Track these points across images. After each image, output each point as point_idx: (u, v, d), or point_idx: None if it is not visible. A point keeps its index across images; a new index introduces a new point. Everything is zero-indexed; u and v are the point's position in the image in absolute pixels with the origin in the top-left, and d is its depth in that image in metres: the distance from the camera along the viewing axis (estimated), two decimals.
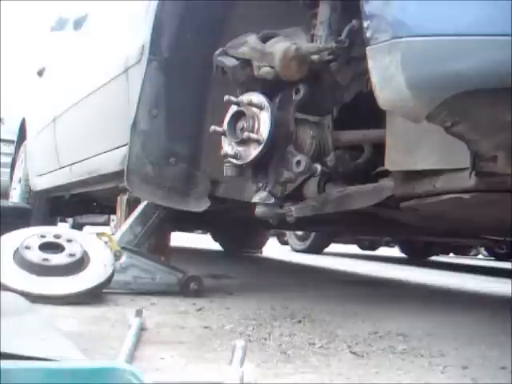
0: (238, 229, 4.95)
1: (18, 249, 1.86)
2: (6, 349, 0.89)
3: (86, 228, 9.74)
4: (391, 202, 1.59)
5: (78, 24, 3.19)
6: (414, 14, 1.04)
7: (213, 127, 1.57)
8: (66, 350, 1.07)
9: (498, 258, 7.83)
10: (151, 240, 2.35)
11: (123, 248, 2.07)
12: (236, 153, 1.50)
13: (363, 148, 1.66)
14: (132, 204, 2.49)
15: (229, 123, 1.55)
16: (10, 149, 5.40)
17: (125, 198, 2.58)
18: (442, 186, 1.37)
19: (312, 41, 1.45)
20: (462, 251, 9.05)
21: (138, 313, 1.43)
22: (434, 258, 7.50)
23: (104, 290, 1.90)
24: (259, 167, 1.52)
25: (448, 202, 1.40)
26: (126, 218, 2.43)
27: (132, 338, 1.23)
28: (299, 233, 6.53)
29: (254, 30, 1.52)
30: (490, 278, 4.60)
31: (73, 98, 2.88)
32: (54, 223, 4.31)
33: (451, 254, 8.95)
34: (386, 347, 1.44)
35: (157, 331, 1.45)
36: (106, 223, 9.38)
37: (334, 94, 1.51)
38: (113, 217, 7.56)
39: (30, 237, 1.93)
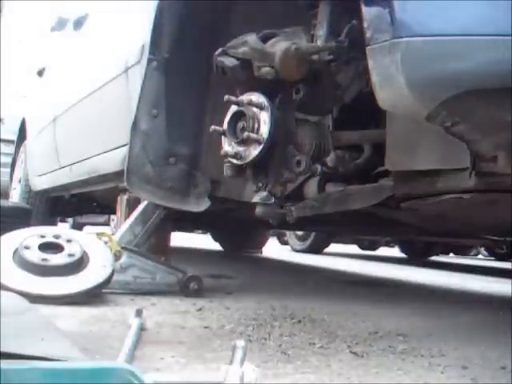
0: (238, 229, 4.95)
1: (17, 249, 1.86)
2: (5, 349, 0.89)
3: (86, 228, 9.74)
4: (391, 202, 1.59)
5: (78, 24, 3.19)
6: (414, 14, 1.04)
7: (213, 127, 1.57)
8: (66, 349, 1.07)
9: (498, 258, 7.84)
10: (151, 240, 2.35)
11: (123, 248, 2.07)
12: (236, 153, 1.50)
13: (363, 148, 1.66)
14: (132, 204, 2.49)
15: (229, 123, 1.54)
16: (10, 149, 5.39)
17: (125, 197, 2.58)
18: (442, 186, 1.37)
19: (312, 41, 1.44)
20: (462, 251, 9.05)
21: (138, 313, 1.43)
22: (434, 257, 7.50)
23: (104, 290, 1.90)
24: (259, 167, 1.52)
25: (448, 201, 1.40)
26: (126, 218, 2.43)
27: (132, 337, 1.23)
28: (299, 233, 6.53)
29: (254, 30, 1.52)
30: (490, 278, 4.60)
31: (73, 98, 2.88)
32: (54, 223, 4.31)
33: (451, 254, 8.95)
34: (386, 347, 1.44)
35: (157, 331, 1.45)
36: (106, 223, 9.38)
37: (334, 94, 1.51)
38: (113, 217, 7.56)
39: (29, 237, 1.93)
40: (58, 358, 0.95)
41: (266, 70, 1.44)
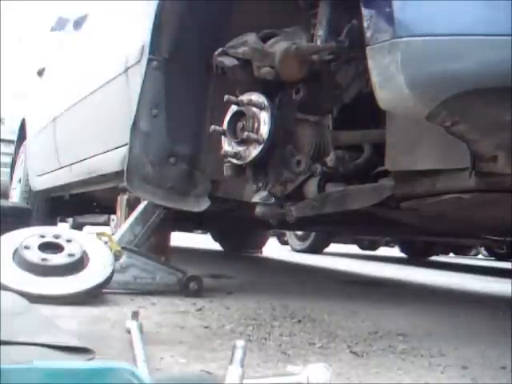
0: (238, 229, 4.95)
1: (17, 249, 1.86)
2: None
3: (86, 228, 9.74)
4: (391, 202, 1.59)
5: (77, 24, 3.19)
6: (414, 13, 1.04)
7: (213, 127, 1.57)
8: (66, 338, 1.08)
9: (498, 258, 7.84)
10: (151, 240, 2.35)
11: (123, 248, 2.07)
12: (236, 152, 1.50)
13: (363, 148, 1.66)
14: (132, 204, 2.49)
15: (229, 123, 1.55)
16: (10, 149, 5.40)
17: (125, 197, 2.58)
18: (442, 186, 1.37)
19: (312, 41, 1.44)
20: (462, 251, 9.06)
21: (135, 315, 1.39)
22: (434, 257, 7.50)
23: (104, 290, 1.90)
24: (259, 167, 1.52)
25: (448, 201, 1.40)
26: (126, 218, 2.43)
27: (138, 338, 1.22)
28: (299, 233, 6.54)
29: (254, 29, 1.52)
30: (490, 278, 4.60)
31: (73, 98, 2.88)
32: (54, 223, 4.31)
33: (451, 254, 8.96)
34: (386, 347, 1.44)
35: (157, 331, 1.45)
36: (106, 223, 9.38)
37: (334, 94, 1.51)
38: (113, 217, 7.56)
39: (29, 237, 1.93)
40: (57, 343, 0.96)
41: (265, 70, 1.44)
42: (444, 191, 1.39)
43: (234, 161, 1.51)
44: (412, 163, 1.39)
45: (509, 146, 1.14)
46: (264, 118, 1.46)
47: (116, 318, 1.57)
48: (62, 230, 2.27)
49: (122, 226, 2.36)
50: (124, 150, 2.01)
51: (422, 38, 1.01)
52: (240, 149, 1.50)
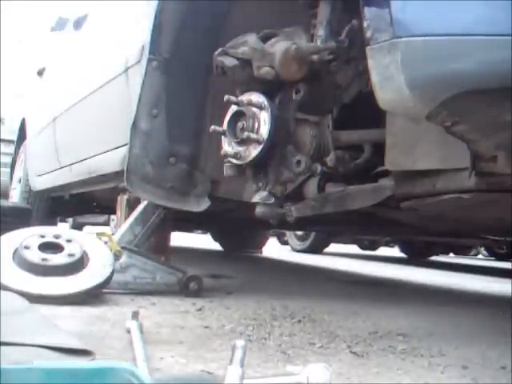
0: (238, 229, 4.95)
1: (17, 249, 1.86)
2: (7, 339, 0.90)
3: (86, 228, 9.75)
4: (391, 202, 1.59)
5: (77, 24, 3.19)
6: (414, 13, 1.04)
7: (213, 127, 1.57)
8: (66, 339, 1.08)
9: (498, 258, 7.85)
10: (151, 240, 2.35)
11: (123, 248, 2.07)
12: (236, 153, 1.50)
13: (363, 148, 1.66)
14: (132, 204, 2.49)
15: (229, 123, 1.54)
16: (10, 149, 5.40)
17: (125, 197, 2.58)
18: (442, 186, 1.37)
19: (312, 41, 1.44)
20: (462, 251, 9.06)
21: (135, 315, 1.39)
22: (434, 257, 7.50)
23: (104, 290, 1.90)
24: (259, 167, 1.52)
25: (448, 201, 1.40)
26: (126, 218, 2.43)
27: (139, 338, 1.22)
28: (299, 233, 6.54)
29: (254, 29, 1.52)
30: (490, 278, 4.60)
31: (73, 98, 2.88)
32: (54, 223, 4.31)
33: (451, 254, 8.96)
34: (385, 347, 1.44)
35: (157, 331, 1.45)
36: (106, 223, 9.39)
37: (334, 94, 1.51)
38: (113, 217, 7.56)
39: (29, 237, 1.93)
40: (57, 345, 0.96)
41: (265, 69, 1.44)
42: (444, 191, 1.39)
43: (234, 161, 1.51)
44: (412, 163, 1.39)
45: (509, 146, 1.14)
46: (264, 118, 1.46)
47: (116, 318, 1.57)
48: (62, 230, 2.27)
49: (122, 226, 2.36)
50: (124, 150, 2.01)
51: (422, 37, 1.01)
52: (240, 149, 1.50)
